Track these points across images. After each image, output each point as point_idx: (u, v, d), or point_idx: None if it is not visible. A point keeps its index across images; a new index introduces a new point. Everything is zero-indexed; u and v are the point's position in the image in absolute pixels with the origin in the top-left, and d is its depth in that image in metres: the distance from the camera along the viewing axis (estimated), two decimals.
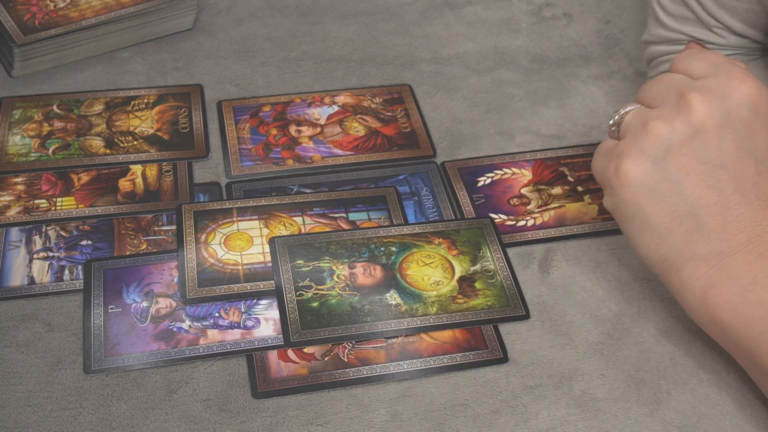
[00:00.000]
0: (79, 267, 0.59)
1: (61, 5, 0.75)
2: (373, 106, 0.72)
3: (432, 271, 0.59)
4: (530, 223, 0.64)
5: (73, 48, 0.74)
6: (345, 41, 0.80)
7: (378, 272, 0.59)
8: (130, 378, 0.53)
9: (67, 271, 0.59)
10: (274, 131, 0.70)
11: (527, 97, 0.75)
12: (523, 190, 0.66)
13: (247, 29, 0.81)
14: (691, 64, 0.54)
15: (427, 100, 0.74)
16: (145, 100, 0.72)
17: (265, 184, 0.65)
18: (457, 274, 0.59)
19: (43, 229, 0.61)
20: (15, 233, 0.61)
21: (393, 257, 0.60)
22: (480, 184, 0.67)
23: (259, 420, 0.51)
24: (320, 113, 0.72)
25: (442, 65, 0.78)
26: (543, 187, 0.66)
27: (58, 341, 0.55)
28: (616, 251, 0.62)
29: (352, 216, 0.63)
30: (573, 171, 0.68)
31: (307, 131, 0.70)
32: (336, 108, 0.72)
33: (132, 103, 0.72)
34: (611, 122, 0.55)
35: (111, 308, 0.56)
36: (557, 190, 0.66)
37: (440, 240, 0.61)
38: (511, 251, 0.62)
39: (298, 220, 0.63)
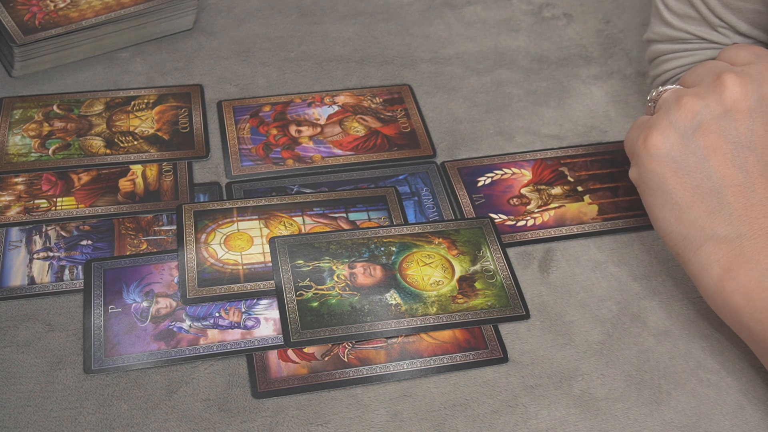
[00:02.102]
0: (79, 267, 0.59)
1: (61, 5, 0.75)
2: (373, 106, 0.72)
3: (432, 271, 0.59)
4: (530, 223, 0.64)
5: (73, 48, 0.74)
6: (345, 41, 0.80)
7: (378, 272, 0.59)
8: (130, 378, 0.53)
9: (67, 271, 0.59)
10: (274, 131, 0.70)
11: (527, 97, 0.75)
12: (523, 190, 0.66)
13: (247, 29, 0.81)
14: (736, 54, 0.55)
15: (427, 100, 0.74)
16: (145, 100, 0.72)
17: (265, 184, 0.65)
18: (457, 274, 0.59)
19: (44, 229, 0.61)
20: (15, 233, 0.61)
21: (393, 257, 0.60)
22: (480, 184, 0.67)
23: (259, 420, 0.51)
24: (320, 113, 0.72)
25: (442, 65, 0.78)
26: (543, 187, 0.66)
27: (59, 341, 0.55)
28: (616, 251, 0.62)
29: (352, 216, 0.63)
30: (573, 171, 0.68)
31: (307, 131, 0.70)
32: (336, 108, 0.72)
33: (132, 103, 0.72)
34: (649, 97, 0.56)
35: (111, 308, 0.56)
36: (557, 190, 0.66)
37: (440, 240, 0.61)
38: (511, 251, 0.62)
39: (298, 220, 0.63)
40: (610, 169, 0.68)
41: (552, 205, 0.65)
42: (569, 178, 0.67)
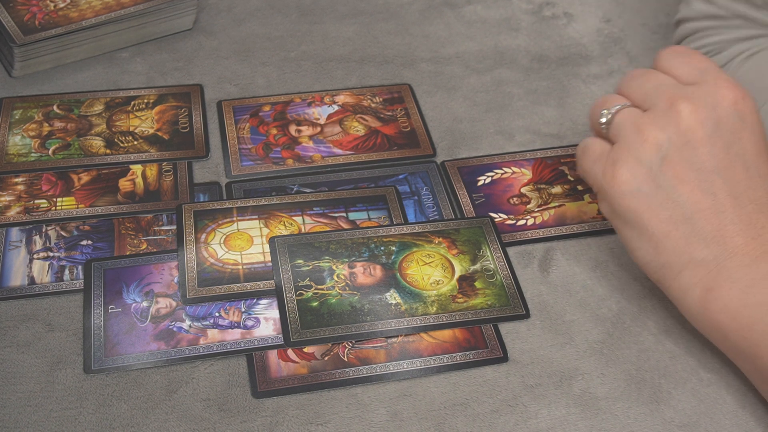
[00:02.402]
0: (79, 267, 0.59)
1: (61, 5, 0.75)
2: (373, 105, 0.72)
3: (432, 271, 0.59)
4: (530, 222, 0.64)
5: (73, 48, 0.74)
6: (345, 41, 0.80)
7: (378, 272, 0.59)
8: (130, 378, 0.53)
9: (67, 271, 0.59)
10: (274, 131, 0.70)
11: (527, 97, 0.75)
12: (522, 189, 0.66)
13: (247, 29, 0.81)
14: (678, 68, 0.55)
15: (427, 100, 0.74)
16: (145, 100, 0.72)
17: (265, 184, 0.65)
18: (457, 274, 0.59)
19: (44, 229, 0.61)
20: (15, 233, 0.61)
21: (393, 257, 0.60)
22: (480, 183, 0.67)
23: (259, 420, 0.51)
24: (320, 113, 0.72)
25: (442, 65, 0.78)
26: (543, 186, 0.66)
27: (58, 341, 0.55)
28: (616, 250, 0.62)
29: (352, 215, 0.63)
30: (573, 170, 0.68)
31: (307, 131, 0.70)
32: (336, 107, 0.72)
33: (132, 103, 0.72)
34: (602, 120, 0.55)
35: (111, 308, 0.56)
36: (557, 189, 0.66)
37: (440, 239, 0.61)
38: (511, 250, 0.62)
39: (298, 219, 0.63)
40: None
41: (552, 204, 0.65)
42: (569, 177, 0.67)
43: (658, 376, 0.55)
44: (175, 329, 0.55)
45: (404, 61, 0.78)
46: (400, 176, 0.67)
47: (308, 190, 0.65)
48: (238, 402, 0.52)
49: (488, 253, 0.61)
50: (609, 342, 0.57)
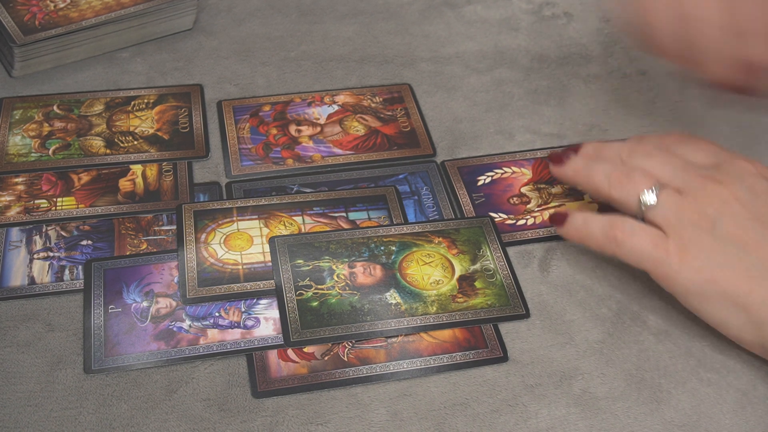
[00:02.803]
0: (80, 267, 0.59)
1: (61, 5, 0.75)
2: (373, 105, 0.72)
3: (432, 270, 0.59)
4: (530, 222, 0.64)
5: (73, 48, 0.74)
6: (345, 41, 0.80)
7: (378, 271, 0.59)
8: (130, 378, 0.53)
9: (67, 271, 0.59)
10: (274, 131, 0.70)
11: (527, 96, 0.75)
12: (522, 189, 0.66)
13: (247, 29, 0.81)
14: (692, 154, 0.58)
15: (427, 100, 0.74)
16: (145, 100, 0.72)
17: (265, 184, 0.65)
18: (457, 273, 0.59)
19: (44, 229, 0.61)
20: (15, 233, 0.61)
21: (393, 256, 0.60)
22: (480, 183, 0.67)
23: (259, 420, 0.51)
24: (320, 113, 0.72)
25: (442, 64, 0.78)
26: (543, 185, 0.66)
27: (59, 341, 0.55)
28: None
29: (352, 215, 0.63)
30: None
31: (307, 131, 0.70)
32: (336, 107, 0.72)
33: (132, 103, 0.72)
34: (648, 203, 0.56)
35: (111, 308, 0.56)
36: (557, 189, 0.66)
37: (440, 239, 0.61)
38: (511, 250, 0.62)
39: (298, 219, 0.63)
40: None
41: (552, 204, 0.65)
42: None
43: (658, 376, 0.55)
44: (175, 329, 0.56)
45: (404, 61, 0.78)
46: (400, 176, 0.67)
47: (308, 190, 0.65)
48: (238, 402, 0.52)
49: (488, 253, 0.61)
50: (609, 342, 0.57)
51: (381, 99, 0.73)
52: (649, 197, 0.56)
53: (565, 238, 0.60)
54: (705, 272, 0.54)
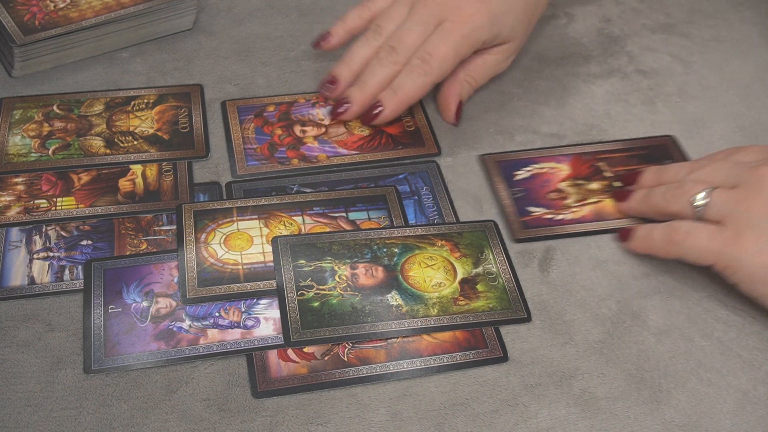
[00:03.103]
0: (79, 267, 0.59)
1: (61, 5, 0.75)
2: None
3: (434, 273, 0.59)
4: (569, 217, 0.64)
5: (73, 48, 0.74)
6: None
7: (380, 273, 0.59)
8: (130, 378, 0.53)
9: (67, 271, 0.59)
10: (278, 131, 0.70)
11: (527, 96, 0.75)
12: (560, 185, 0.67)
13: (247, 29, 0.81)
14: (745, 156, 0.60)
15: (426, 99, 0.74)
16: (145, 100, 0.72)
17: (265, 184, 0.65)
18: (459, 276, 0.59)
19: (44, 229, 0.61)
20: (15, 233, 0.61)
21: (395, 258, 0.60)
22: (518, 177, 0.67)
23: (259, 420, 0.51)
24: (324, 113, 0.72)
25: None
26: (581, 182, 0.67)
27: (58, 341, 0.55)
28: (616, 250, 0.62)
29: (352, 215, 0.63)
30: (610, 167, 0.68)
31: (311, 131, 0.70)
32: None
33: (132, 103, 0.72)
34: (700, 203, 0.58)
35: (111, 308, 0.56)
36: (594, 186, 0.67)
37: (443, 242, 0.61)
38: (511, 250, 0.62)
39: (298, 219, 0.63)
40: (647, 164, 0.68)
41: (590, 200, 0.66)
42: (606, 174, 0.68)
43: (658, 376, 0.55)
44: (175, 329, 0.56)
45: None
46: (400, 176, 0.67)
47: (308, 190, 0.65)
48: (238, 402, 0.52)
49: (491, 257, 0.61)
50: (609, 342, 0.57)
51: None
52: (702, 198, 0.58)
53: (632, 250, 0.62)
54: (765, 255, 0.55)
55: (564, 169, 0.68)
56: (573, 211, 0.65)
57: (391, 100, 0.68)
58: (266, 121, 0.71)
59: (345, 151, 0.68)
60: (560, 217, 0.64)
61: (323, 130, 0.70)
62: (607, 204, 0.65)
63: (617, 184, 0.67)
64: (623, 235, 0.62)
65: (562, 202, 0.65)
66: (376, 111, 0.68)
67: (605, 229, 0.64)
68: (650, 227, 0.60)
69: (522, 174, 0.67)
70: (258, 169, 0.66)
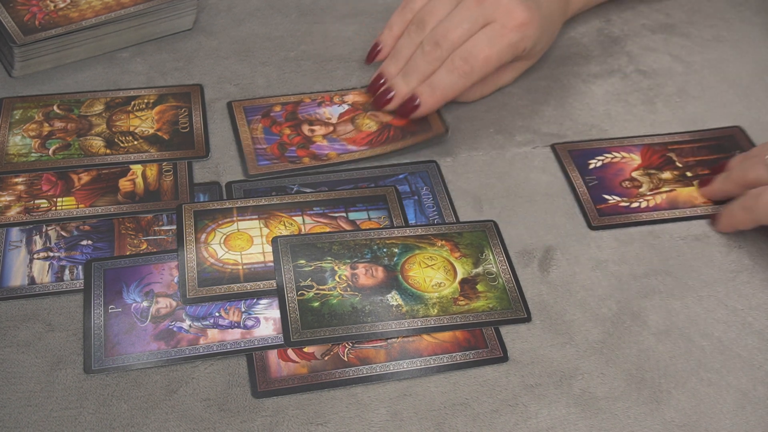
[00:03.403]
0: (80, 267, 0.59)
1: (61, 5, 0.75)
2: None
3: (434, 273, 0.59)
4: (643, 205, 0.66)
5: (73, 48, 0.74)
6: (345, 41, 0.80)
7: (380, 273, 0.59)
8: (130, 378, 0.53)
9: (67, 271, 0.59)
10: (287, 131, 0.70)
11: (527, 96, 0.75)
12: (633, 174, 0.68)
13: (247, 29, 0.81)
14: None
15: None
16: (145, 100, 0.72)
17: (265, 184, 0.66)
18: (459, 276, 0.59)
19: (44, 229, 0.61)
20: (15, 233, 0.61)
21: (395, 258, 0.60)
22: (591, 166, 0.68)
23: (259, 420, 0.51)
24: (331, 112, 0.72)
25: None
26: (653, 171, 0.68)
27: (59, 341, 0.55)
28: (616, 250, 0.62)
29: (352, 215, 0.63)
30: (681, 157, 0.69)
31: (320, 130, 0.70)
32: (346, 107, 0.72)
33: (132, 103, 0.72)
34: None
35: (111, 308, 0.56)
36: (666, 175, 0.68)
37: (443, 242, 0.61)
38: (512, 250, 0.62)
39: (298, 219, 0.63)
40: (716, 155, 0.70)
41: (663, 189, 0.67)
42: (678, 164, 0.69)
43: (658, 376, 0.55)
44: (175, 329, 0.56)
45: None
46: (400, 176, 0.67)
47: (308, 190, 0.65)
48: (238, 402, 0.52)
49: (491, 257, 0.61)
50: (609, 342, 0.57)
51: None
52: None
53: (720, 231, 0.64)
54: None
55: (635, 158, 0.69)
56: (647, 200, 0.66)
57: (429, 97, 0.68)
58: (274, 121, 0.71)
59: (355, 148, 0.68)
60: (635, 205, 0.66)
61: (331, 128, 0.70)
62: (681, 193, 0.67)
63: (689, 174, 0.68)
64: (712, 220, 0.64)
65: (636, 190, 0.67)
66: (415, 104, 0.68)
67: (679, 217, 0.65)
68: (730, 204, 0.62)
69: (595, 163, 0.69)
70: (269, 169, 0.66)
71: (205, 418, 0.51)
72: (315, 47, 0.79)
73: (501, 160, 0.69)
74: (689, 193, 0.67)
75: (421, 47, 0.68)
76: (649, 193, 0.67)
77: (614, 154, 0.70)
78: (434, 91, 0.68)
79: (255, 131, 0.70)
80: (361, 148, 0.68)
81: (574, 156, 0.69)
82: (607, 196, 0.66)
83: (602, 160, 0.69)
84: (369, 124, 0.70)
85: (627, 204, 0.66)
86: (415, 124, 0.70)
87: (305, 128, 0.70)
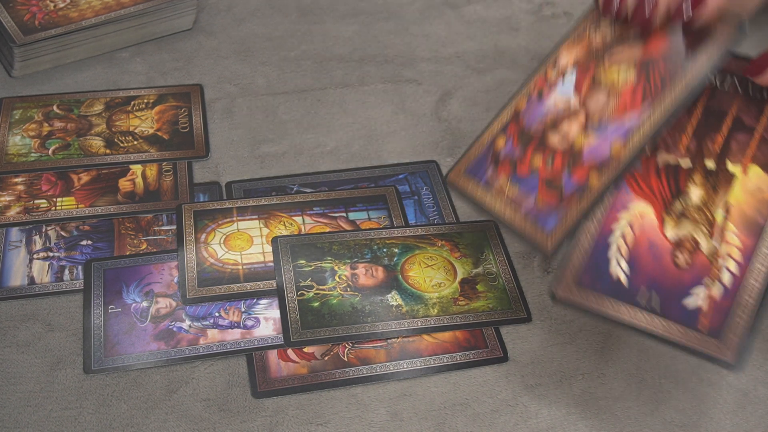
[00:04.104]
0: (79, 267, 0.59)
1: (61, 5, 0.75)
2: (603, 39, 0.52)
3: (434, 273, 0.59)
4: None
5: (73, 48, 0.74)
6: (345, 40, 0.80)
7: (380, 273, 0.59)
8: (130, 378, 0.53)
9: (67, 271, 0.59)
10: (538, 161, 0.50)
11: None
12: None
13: (247, 29, 0.81)
14: None
15: (427, 99, 0.74)
16: (145, 100, 0.72)
17: (264, 184, 0.65)
18: (459, 276, 0.59)
19: (43, 229, 0.61)
20: (15, 233, 0.61)
21: (395, 258, 0.60)
22: None
23: (259, 420, 0.51)
24: (563, 95, 0.51)
25: (442, 64, 0.78)
26: None
27: (58, 341, 0.55)
28: None
29: (352, 215, 0.63)
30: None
31: (573, 127, 0.49)
32: (572, 74, 0.52)
33: (132, 103, 0.72)
34: None
35: (111, 308, 0.56)
36: None
37: (443, 242, 0.61)
38: (511, 250, 0.62)
39: (298, 219, 0.63)
40: None
41: None
42: None
43: (658, 376, 0.55)
44: (175, 329, 0.55)
45: (404, 61, 0.78)
46: (400, 176, 0.67)
47: (308, 190, 0.65)
48: (238, 402, 0.52)
49: (491, 257, 0.61)
50: (609, 342, 0.57)
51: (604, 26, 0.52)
52: None
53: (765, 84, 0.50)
54: None
55: None
56: None
57: None
58: (511, 160, 0.51)
59: (636, 119, 0.47)
60: None
61: (582, 115, 0.50)
62: None
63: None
64: (755, 68, 0.50)
65: None
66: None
67: None
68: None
69: None
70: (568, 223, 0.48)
71: (205, 418, 0.51)
72: (315, 47, 0.79)
73: None
74: (754, 77, 0.52)
75: None
76: None
77: None
78: None
79: (505, 191, 0.50)
80: (643, 111, 0.47)
81: None
82: None
83: None
84: (621, 74, 0.50)
85: None
86: (689, 37, 0.48)
87: (555, 139, 0.50)
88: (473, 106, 0.74)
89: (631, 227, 0.48)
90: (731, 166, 0.49)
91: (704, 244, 0.47)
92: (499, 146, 0.51)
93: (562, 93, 0.50)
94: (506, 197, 0.48)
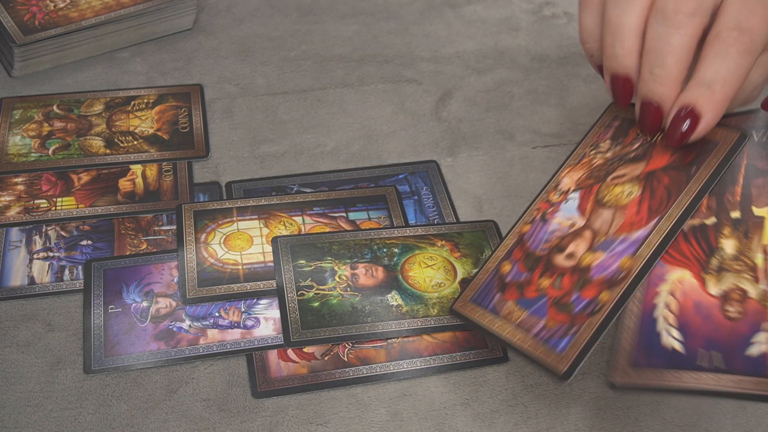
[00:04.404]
0: (79, 267, 0.59)
1: (61, 5, 0.75)
2: (608, 153, 0.53)
3: (434, 273, 0.59)
4: None
5: (73, 48, 0.74)
6: (345, 40, 0.80)
7: (380, 273, 0.59)
8: (130, 378, 0.53)
9: (67, 271, 0.59)
10: (545, 284, 0.49)
11: (527, 96, 0.75)
12: None
13: (247, 29, 0.81)
14: None
15: (427, 99, 0.74)
16: (145, 100, 0.72)
17: (265, 184, 0.65)
18: (459, 276, 0.59)
19: (43, 229, 0.61)
20: (15, 233, 0.61)
21: (395, 258, 0.60)
22: None
23: (259, 420, 0.51)
24: (567, 216, 0.51)
25: (442, 64, 0.78)
26: None
27: (58, 341, 0.55)
28: None
29: (352, 215, 0.63)
30: None
31: (580, 247, 0.49)
32: (575, 195, 0.52)
33: (132, 103, 0.72)
34: None
35: (111, 308, 0.56)
36: None
37: (443, 242, 0.61)
38: None
39: (298, 219, 0.63)
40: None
41: None
42: None
43: None
44: (175, 329, 0.55)
45: (404, 61, 0.78)
46: (400, 176, 0.67)
47: (308, 190, 0.65)
48: (238, 402, 0.52)
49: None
50: (609, 342, 0.57)
51: (608, 139, 0.54)
52: None
53: None
54: None
55: None
56: None
57: (707, 100, 0.47)
58: (518, 283, 0.50)
59: (644, 232, 0.48)
60: None
61: (589, 235, 0.49)
62: None
63: None
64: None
65: None
66: (691, 116, 0.48)
67: None
68: None
69: None
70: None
71: (205, 418, 0.51)
72: (315, 47, 0.79)
73: (501, 160, 0.69)
74: None
75: (718, 36, 0.47)
76: None
77: None
78: (712, 91, 0.47)
79: (513, 315, 0.49)
80: (650, 225, 0.47)
81: None
82: None
83: None
84: (624, 191, 0.50)
85: None
86: (692, 148, 0.49)
87: (560, 260, 0.49)
88: (473, 106, 0.74)
89: (673, 295, 0.47)
90: (757, 210, 0.48)
91: (752, 291, 0.46)
92: (504, 271, 0.52)
93: (566, 214, 0.51)
94: (515, 321, 0.48)
